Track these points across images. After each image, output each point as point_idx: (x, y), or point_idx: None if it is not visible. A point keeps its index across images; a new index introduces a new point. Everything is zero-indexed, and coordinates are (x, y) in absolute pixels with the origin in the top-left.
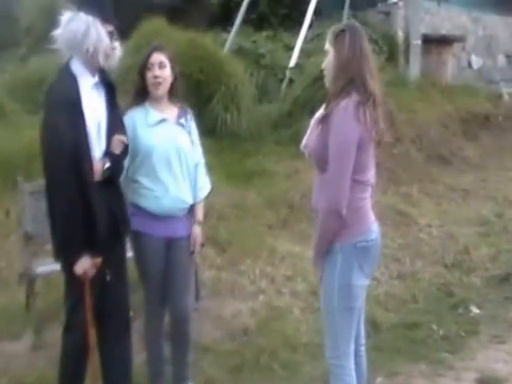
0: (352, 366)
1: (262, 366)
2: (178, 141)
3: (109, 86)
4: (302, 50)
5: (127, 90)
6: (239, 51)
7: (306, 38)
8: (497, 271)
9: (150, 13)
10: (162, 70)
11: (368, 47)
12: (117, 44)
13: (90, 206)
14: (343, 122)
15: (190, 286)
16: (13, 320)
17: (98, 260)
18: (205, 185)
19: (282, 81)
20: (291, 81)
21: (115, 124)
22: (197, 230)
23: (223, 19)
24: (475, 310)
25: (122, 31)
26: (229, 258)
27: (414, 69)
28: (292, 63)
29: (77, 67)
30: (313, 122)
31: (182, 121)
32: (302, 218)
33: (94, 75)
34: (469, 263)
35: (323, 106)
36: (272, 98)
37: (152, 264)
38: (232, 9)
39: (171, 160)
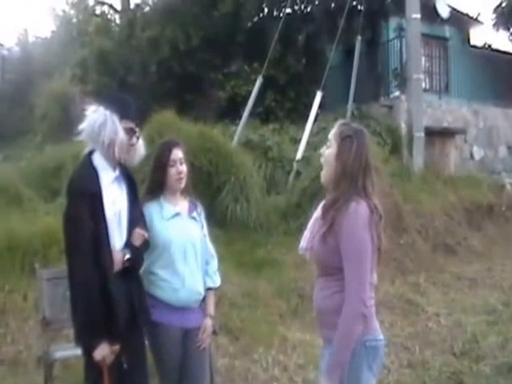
0: None
1: None
2: (193, 234)
3: (130, 180)
4: (307, 143)
5: (138, 179)
6: (247, 144)
7: (311, 131)
8: (505, 359)
9: (160, 105)
10: (183, 165)
11: (371, 158)
12: (139, 142)
13: (109, 296)
14: (357, 227)
15: (207, 375)
16: None
17: (116, 348)
18: (216, 279)
19: (289, 173)
20: (298, 173)
21: (136, 217)
22: (207, 323)
23: (231, 112)
24: None
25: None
26: (242, 346)
27: (418, 160)
28: (299, 156)
29: (98, 161)
30: (312, 222)
31: (194, 214)
32: (312, 307)
33: (114, 169)
34: (477, 351)
35: (321, 207)
36: (280, 190)
37: (169, 354)
38: (239, 102)
39: (187, 253)
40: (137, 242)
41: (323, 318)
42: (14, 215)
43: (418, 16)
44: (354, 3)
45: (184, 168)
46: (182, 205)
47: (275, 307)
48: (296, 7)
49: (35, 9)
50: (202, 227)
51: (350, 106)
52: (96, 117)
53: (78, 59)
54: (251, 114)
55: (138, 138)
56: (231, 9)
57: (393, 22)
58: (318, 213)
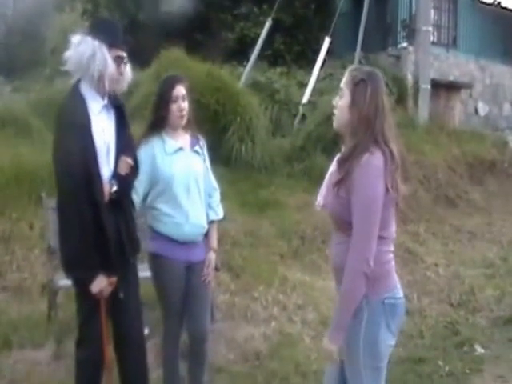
0: None
1: None
2: (195, 168)
3: (118, 108)
4: (314, 88)
5: (146, 115)
6: (254, 85)
7: (318, 76)
8: (501, 313)
9: (170, 43)
10: (185, 102)
11: (387, 100)
12: (127, 68)
13: (100, 226)
14: (367, 179)
15: (209, 308)
16: (35, 329)
17: (113, 279)
18: (219, 211)
19: (295, 116)
20: (304, 117)
21: (124, 145)
22: (211, 256)
23: (239, 53)
24: (480, 350)
25: (143, 59)
26: (242, 283)
27: (423, 112)
28: (305, 100)
29: (86, 89)
30: (328, 177)
31: (197, 148)
32: (312, 250)
33: (103, 98)
34: (474, 303)
35: (337, 159)
36: (285, 133)
37: (172, 287)
38: (248, 44)
39: (190, 187)
40: (123, 170)
41: (339, 274)
42: (22, 146)
43: None
44: None
45: (186, 105)
46: (184, 139)
47: (276, 247)
48: None
49: None
50: (205, 160)
51: (358, 54)
52: (84, 48)
53: None
54: (259, 56)
55: (125, 64)
56: None
57: None
58: (333, 167)
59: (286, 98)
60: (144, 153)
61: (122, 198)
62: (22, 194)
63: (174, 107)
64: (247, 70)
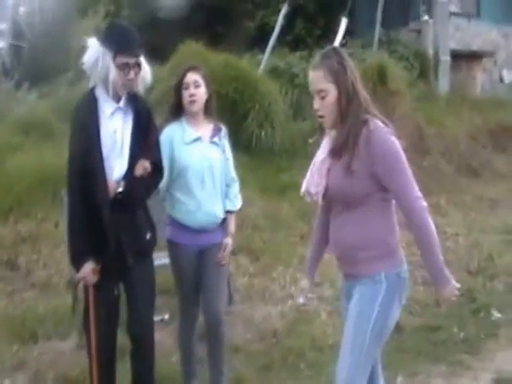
0: None
1: (290, 366)
2: (212, 159)
3: (137, 112)
4: None
5: (165, 110)
6: (273, 71)
7: None
8: None
9: (191, 37)
10: (197, 88)
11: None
12: (142, 72)
13: (102, 224)
14: (385, 138)
15: (224, 291)
16: (61, 322)
17: (96, 267)
18: (236, 202)
19: None
20: None
21: (140, 148)
22: (228, 241)
23: (260, 42)
24: (496, 314)
25: (165, 54)
26: (262, 265)
27: (443, 83)
28: None
29: (100, 92)
30: (318, 166)
31: (216, 139)
32: None
33: (117, 101)
34: (493, 269)
35: (332, 148)
36: (306, 116)
37: (185, 271)
38: (268, 32)
39: (204, 177)
40: (137, 171)
41: (351, 254)
42: (45, 149)
43: None
44: None
45: (196, 91)
46: (206, 129)
47: (296, 229)
48: None
49: None
50: (224, 151)
51: (377, 31)
52: (91, 53)
53: None
54: (281, 42)
55: (139, 69)
56: None
57: None
58: (324, 153)
59: (306, 82)
60: (166, 136)
61: (129, 199)
62: (46, 195)
63: (185, 94)
64: (266, 57)
